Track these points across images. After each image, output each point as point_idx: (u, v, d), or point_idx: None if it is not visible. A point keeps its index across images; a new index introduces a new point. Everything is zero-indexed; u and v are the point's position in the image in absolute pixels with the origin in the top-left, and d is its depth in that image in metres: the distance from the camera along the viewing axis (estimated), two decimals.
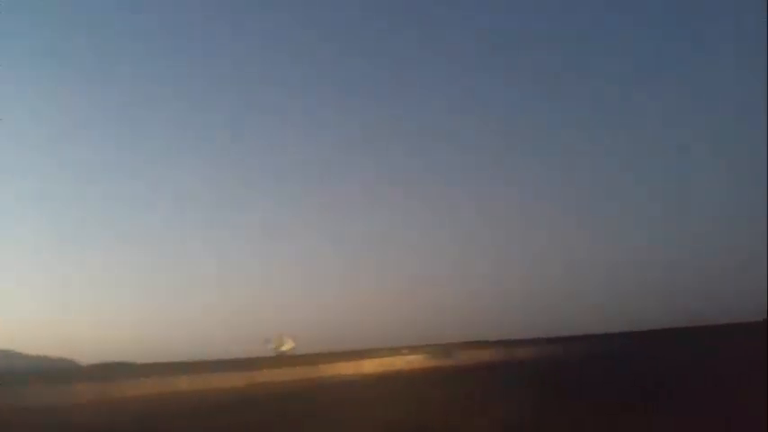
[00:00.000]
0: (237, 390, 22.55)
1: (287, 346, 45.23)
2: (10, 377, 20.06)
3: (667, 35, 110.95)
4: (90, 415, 18.23)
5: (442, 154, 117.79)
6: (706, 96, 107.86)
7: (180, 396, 20.26)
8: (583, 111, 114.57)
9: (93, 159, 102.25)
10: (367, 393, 21.23)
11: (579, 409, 13.67)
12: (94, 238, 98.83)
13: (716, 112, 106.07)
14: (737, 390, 14.51)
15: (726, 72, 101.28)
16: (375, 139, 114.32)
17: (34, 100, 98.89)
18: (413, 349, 33.93)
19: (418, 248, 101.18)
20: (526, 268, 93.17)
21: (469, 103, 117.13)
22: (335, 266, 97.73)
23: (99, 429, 16.56)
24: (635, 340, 43.20)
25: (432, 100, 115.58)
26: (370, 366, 30.54)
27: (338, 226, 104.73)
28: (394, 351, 32.84)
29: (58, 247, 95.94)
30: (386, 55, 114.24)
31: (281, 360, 33.98)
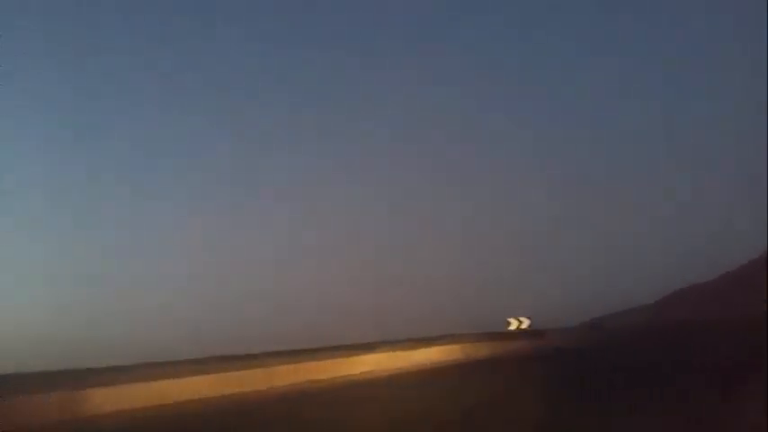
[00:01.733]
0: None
1: None
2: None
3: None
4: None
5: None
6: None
7: (171, 403, 18.00)
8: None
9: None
10: (376, 391, 19.93)
11: (598, 403, 13.18)
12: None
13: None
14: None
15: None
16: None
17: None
18: (423, 342, 33.26)
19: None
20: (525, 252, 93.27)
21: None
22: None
23: None
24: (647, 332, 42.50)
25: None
26: (378, 362, 28.86)
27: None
28: (403, 345, 32.03)
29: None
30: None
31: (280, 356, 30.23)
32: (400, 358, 28.52)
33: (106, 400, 15.37)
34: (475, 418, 12.12)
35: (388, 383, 21.58)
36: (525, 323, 30.13)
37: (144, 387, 16.46)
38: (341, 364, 25.56)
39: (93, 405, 15.07)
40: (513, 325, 29.67)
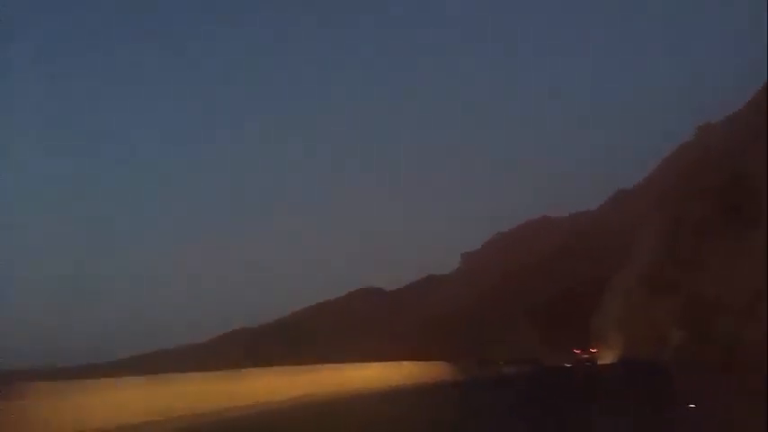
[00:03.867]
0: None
1: None
2: None
3: None
4: None
5: None
6: None
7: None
8: None
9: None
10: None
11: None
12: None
13: None
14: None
15: None
16: None
17: None
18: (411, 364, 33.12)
19: None
20: None
21: None
22: None
23: None
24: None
25: None
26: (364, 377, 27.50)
27: None
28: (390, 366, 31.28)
29: None
30: None
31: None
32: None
33: (98, 413, 14.55)
34: None
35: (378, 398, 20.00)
36: None
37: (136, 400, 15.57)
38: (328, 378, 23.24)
39: (86, 417, 14.15)
40: None
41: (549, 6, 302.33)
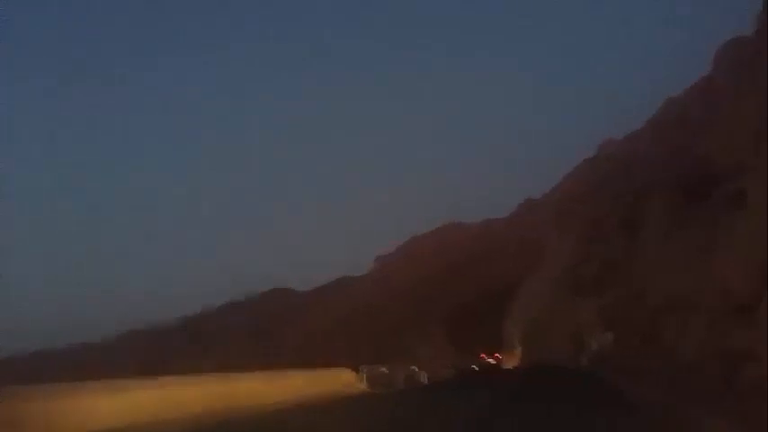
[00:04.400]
0: None
1: None
2: None
3: None
4: None
5: None
6: None
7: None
8: None
9: None
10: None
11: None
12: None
13: None
14: None
15: None
16: None
17: None
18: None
19: None
20: None
21: None
22: None
23: None
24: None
25: None
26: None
27: None
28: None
29: None
30: None
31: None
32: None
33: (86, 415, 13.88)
34: None
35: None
36: None
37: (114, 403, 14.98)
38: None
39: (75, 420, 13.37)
40: None
41: (458, 11, 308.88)
